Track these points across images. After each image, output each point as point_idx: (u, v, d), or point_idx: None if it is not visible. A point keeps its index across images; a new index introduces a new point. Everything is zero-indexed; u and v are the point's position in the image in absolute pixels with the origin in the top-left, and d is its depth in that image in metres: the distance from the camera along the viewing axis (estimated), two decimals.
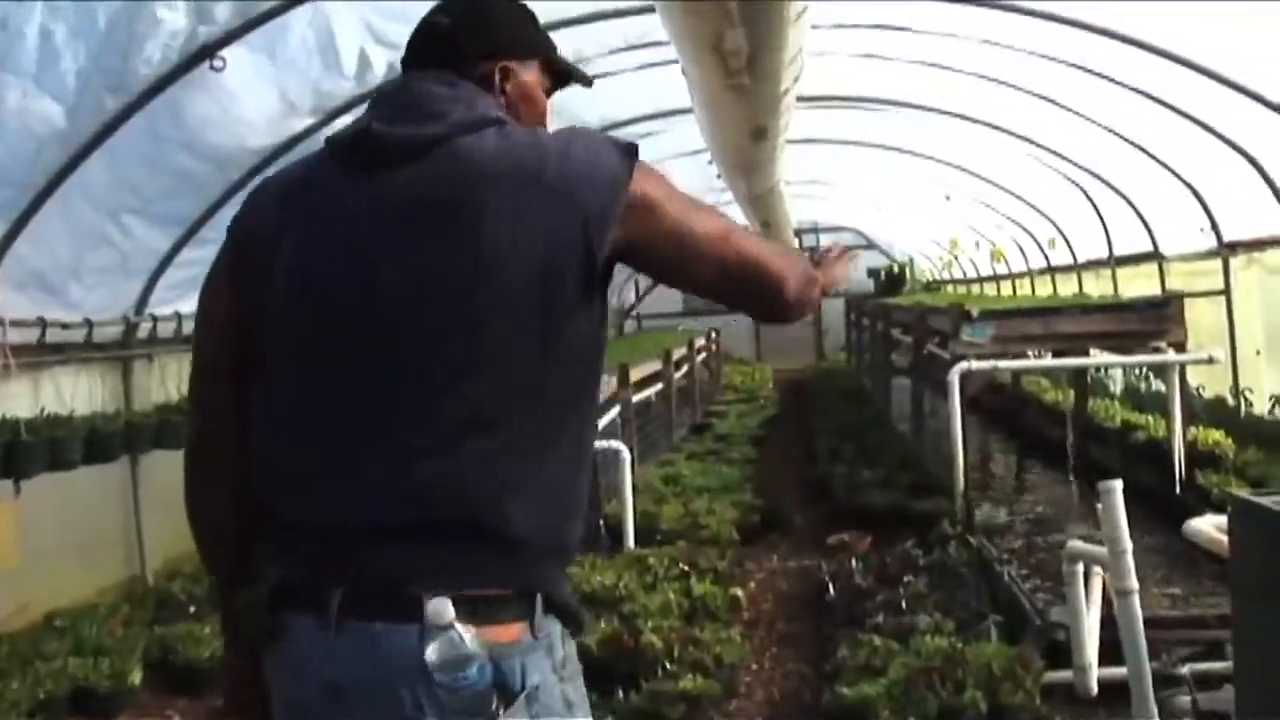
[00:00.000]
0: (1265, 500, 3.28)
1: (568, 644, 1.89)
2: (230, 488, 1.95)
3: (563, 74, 2.21)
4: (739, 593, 6.49)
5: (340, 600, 1.73)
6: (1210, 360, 8.01)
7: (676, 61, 6.94)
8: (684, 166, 14.45)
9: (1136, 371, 11.73)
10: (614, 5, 7.36)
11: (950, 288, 21.22)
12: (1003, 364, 8.43)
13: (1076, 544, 4.61)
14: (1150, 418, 10.10)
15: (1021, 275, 16.60)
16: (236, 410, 1.93)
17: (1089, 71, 8.51)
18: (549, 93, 2.16)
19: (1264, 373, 9.27)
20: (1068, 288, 14.10)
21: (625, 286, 25.26)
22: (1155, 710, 4.02)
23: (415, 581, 1.71)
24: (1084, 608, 4.61)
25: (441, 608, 1.69)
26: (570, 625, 1.91)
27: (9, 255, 6.23)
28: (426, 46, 2.06)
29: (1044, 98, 9.57)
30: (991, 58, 8.94)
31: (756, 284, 1.97)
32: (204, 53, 5.90)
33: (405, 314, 1.78)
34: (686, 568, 6.71)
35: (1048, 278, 15.23)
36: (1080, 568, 4.61)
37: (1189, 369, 8.44)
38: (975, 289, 19.89)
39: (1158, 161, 9.62)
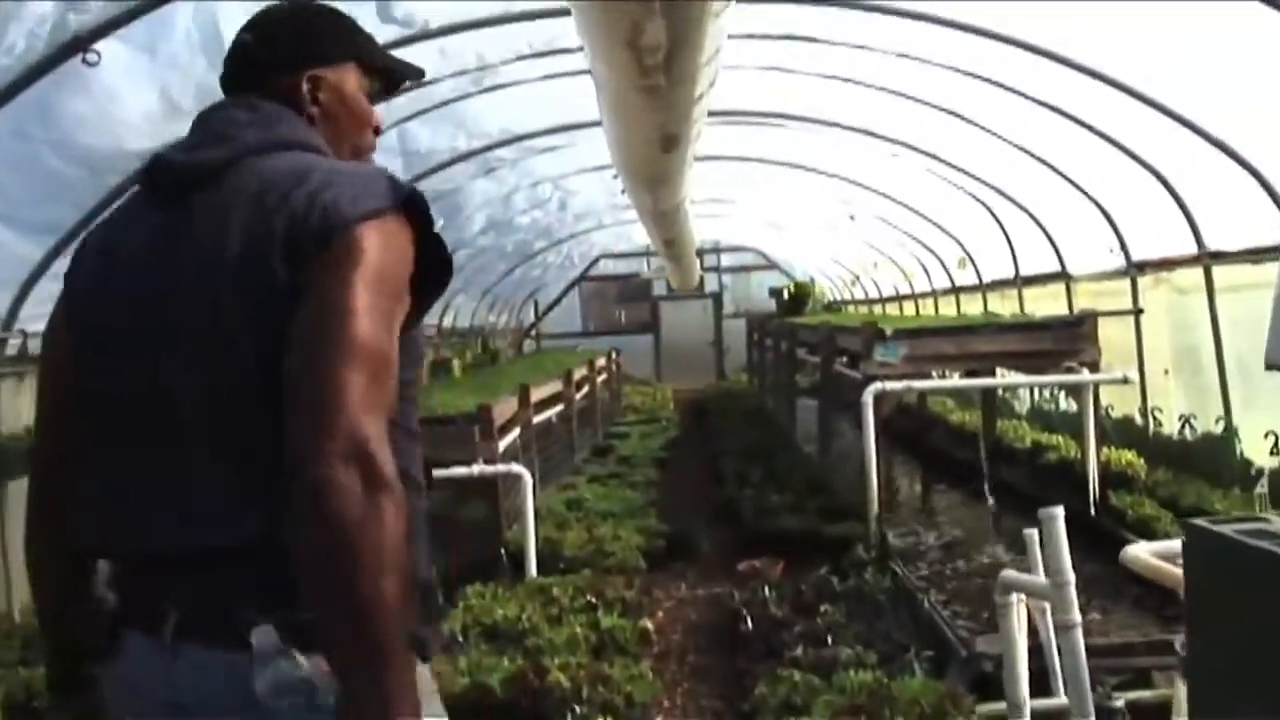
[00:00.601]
0: (1225, 529, 3.03)
1: None
2: (61, 527, 1.94)
3: (388, 72, 2.12)
4: (649, 625, 6.15)
5: (175, 624, 1.72)
6: (1125, 380, 7.90)
7: (584, 72, 6.65)
8: (587, 183, 14.19)
9: (1043, 391, 11.67)
10: (522, 6, 7.04)
11: (852, 308, 21.20)
12: (917, 384, 8.22)
13: (1011, 574, 4.35)
14: (1060, 438, 10.01)
15: (926, 295, 16.55)
16: (68, 452, 1.94)
17: (998, 85, 8.36)
18: (377, 96, 2.09)
19: (1172, 393, 9.21)
20: (973, 308, 14.05)
21: (525, 305, 24.93)
22: None
23: (244, 607, 1.66)
24: (1019, 640, 4.35)
25: (267, 635, 1.64)
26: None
27: None
28: (235, 66, 2.00)
29: (952, 113, 9.43)
30: (900, 71, 8.76)
31: (315, 412, 1.57)
32: (76, 44, 5.43)
33: (184, 344, 1.74)
34: (593, 599, 6.35)
35: (952, 298, 15.18)
36: (1015, 598, 4.35)
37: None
38: (878, 309, 19.86)
39: (1066, 179, 9.53)
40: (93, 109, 6.02)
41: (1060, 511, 3.84)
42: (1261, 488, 6.05)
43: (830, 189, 14.25)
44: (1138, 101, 7.51)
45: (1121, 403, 9.55)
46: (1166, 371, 9.07)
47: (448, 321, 18.03)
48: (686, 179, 9.29)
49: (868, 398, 7.58)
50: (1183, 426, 8.90)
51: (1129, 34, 7.00)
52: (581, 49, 5.66)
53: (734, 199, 17.38)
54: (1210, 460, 8.35)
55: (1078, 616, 3.80)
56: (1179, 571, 3.83)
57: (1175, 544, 4.25)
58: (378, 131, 2.10)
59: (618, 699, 4.79)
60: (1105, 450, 8.39)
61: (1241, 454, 8.06)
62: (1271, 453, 7.45)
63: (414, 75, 2.20)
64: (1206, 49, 6.78)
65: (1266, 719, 2.53)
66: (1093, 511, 7.95)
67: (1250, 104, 6.97)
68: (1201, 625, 3.19)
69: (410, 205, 1.76)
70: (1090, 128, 8.35)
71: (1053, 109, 8.37)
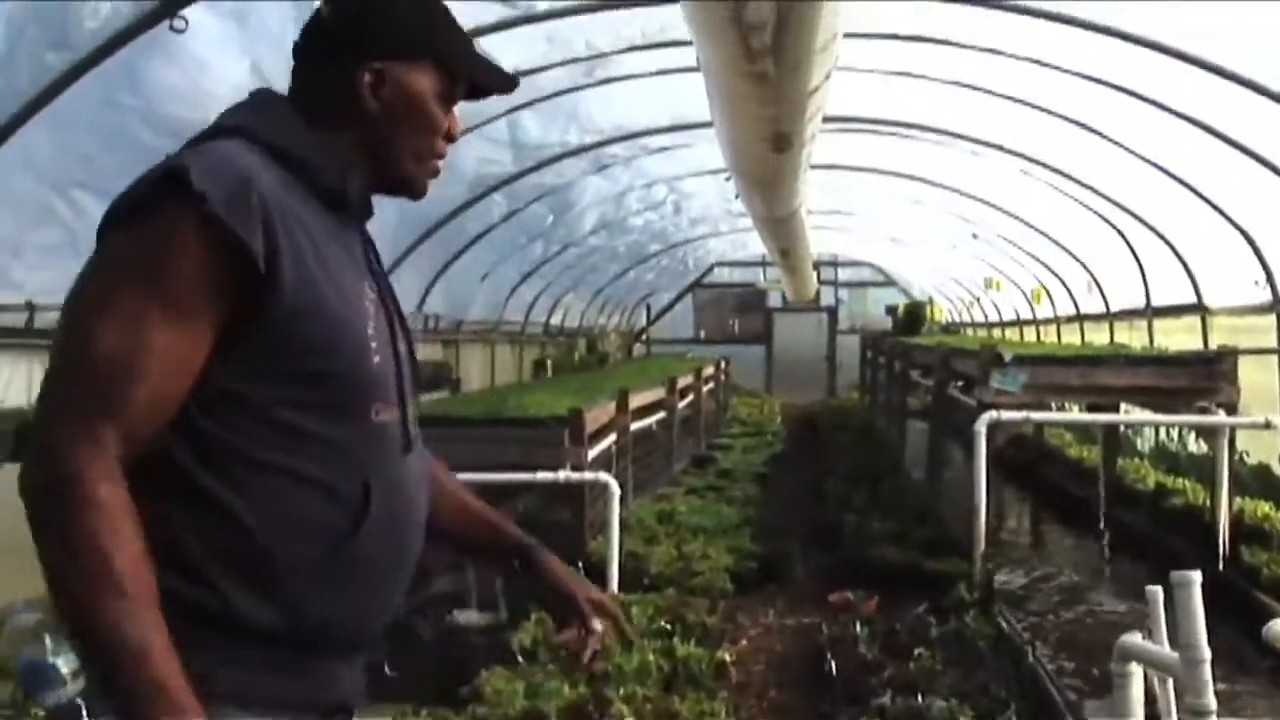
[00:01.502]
0: None
1: None
2: None
3: (468, 77, 1.94)
4: (727, 657, 5.74)
5: None
6: (1267, 425, 7.27)
7: (695, 69, 6.30)
8: (703, 186, 13.83)
9: (1170, 431, 11.01)
10: None
11: (970, 330, 20.54)
12: (1036, 415, 7.68)
13: (1133, 641, 3.85)
14: (1186, 482, 9.37)
15: (1048, 322, 15.88)
16: None
17: (1134, 95, 7.84)
18: (453, 100, 1.91)
19: None
20: (1098, 338, 13.38)
21: (637, 309, 24.66)
22: None
23: None
24: (1136, 716, 3.86)
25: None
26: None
27: None
28: (303, 39, 1.89)
29: (1084, 125, 8.91)
30: (1032, 79, 8.27)
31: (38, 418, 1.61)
32: (163, 10, 5.23)
33: None
34: (671, 623, 5.97)
35: (1076, 326, 14.50)
36: (1134, 669, 3.87)
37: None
38: (996, 333, 19.18)
39: (1206, 201, 8.93)
40: (182, 79, 5.83)
41: (1197, 577, 3.34)
42: None
43: (953, 205, 13.72)
44: None
45: (1258, 449, 8.88)
46: None
47: (556, 320, 17.79)
48: (801, 185, 8.86)
49: (981, 427, 7.09)
50: None
51: None
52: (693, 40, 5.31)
53: (854, 211, 16.89)
54: None
55: (1212, 702, 3.31)
56: None
57: None
58: (452, 139, 1.92)
59: None
60: (1238, 500, 7.77)
61: None
62: None
63: (500, 87, 1.99)
64: None
65: None
66: (1220, 566, 7.34)
67: None
68: None
69: (187, 194, 1.59)
70: (1236, 144, 7.77)
71: (1194, 122, 7.82)
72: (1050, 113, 8.83)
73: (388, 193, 1.90)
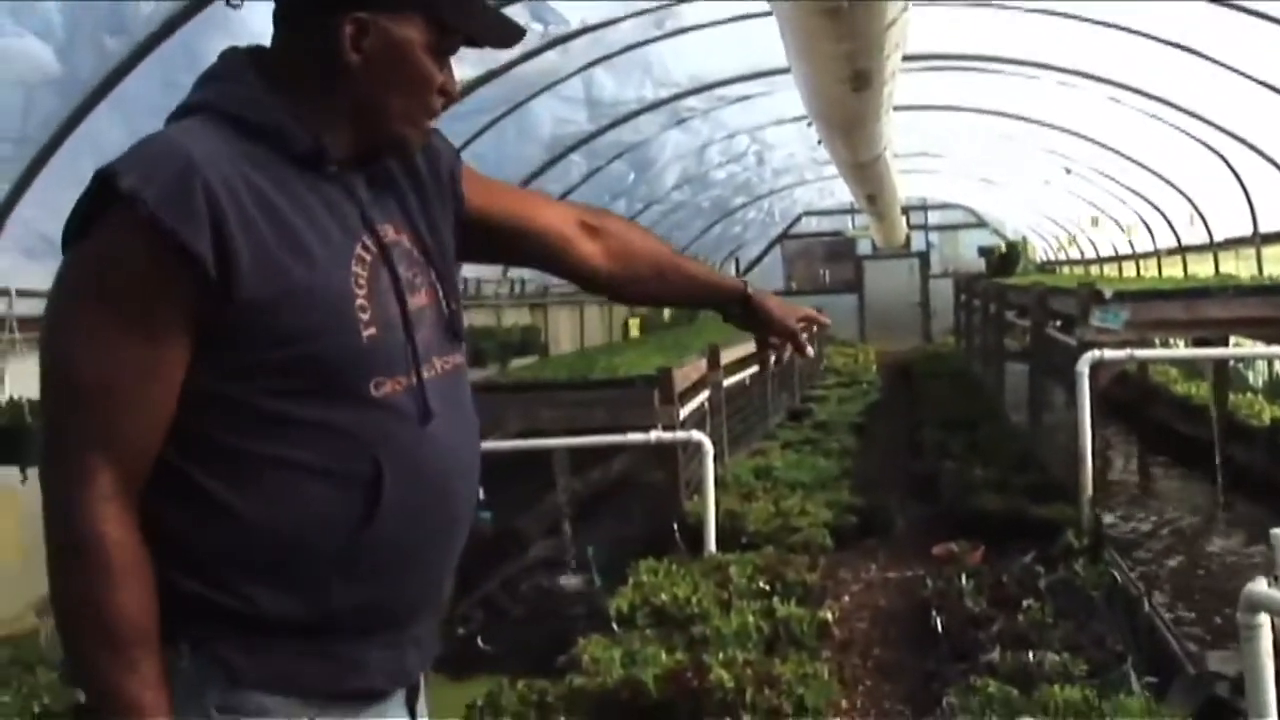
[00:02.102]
0: None
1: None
2: None
3: (462, 29, 1.76)
4: (829, 616, 5.59)
5: None
6: None
7: (769, 14, 6.08)
8: (785, 135, 13.57)
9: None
10: None
11: (1067, 269, 20.05)
12: (1140, 353, 7.36)
13: (1262, 590, 3.63)
14: None
15: (1148, 255, 15.40)
16: None
17: (1234, 6, 7.42)
18: (447, 52, 1.75)
19: None
20: (1202, 269, 12.92)
21: (726, 263, 24.44)
22: None
23: None
24: (1266, 671, 3.65)
25: None
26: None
27: (12, 218, 5.57)
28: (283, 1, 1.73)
29: (1181, 46, 8.52)
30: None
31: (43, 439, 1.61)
32: None
33: None
34: (770, 583, 5.83)
35: (1178, 258, 14.03)
36: (1263, 619, 3.65)
37: None
38: (1094, 270, 18.68)
39: None
40: None
41: None
42: None
43: (1044, 140, 13.32)
44: None
45: None
46: None
47: None
48: (885, 127, 8.60)
49: (1083, 367, 6.82)
50: None
51: None
52: None
53: (941, 153, 16.49)
54: None
55: None
56: None
57: None
58: (448, 96, 1.77)
59: (787, 704, 4.26)
60: None
61: None
62: None
63: (501, 40, 1.81)
64: None
65: None
66: None
67: None
68: None
69: (121, 199, 1.50)
70: None
71: None
72: (1143, 34, 8.46)
73: (378, 153, 1.77)
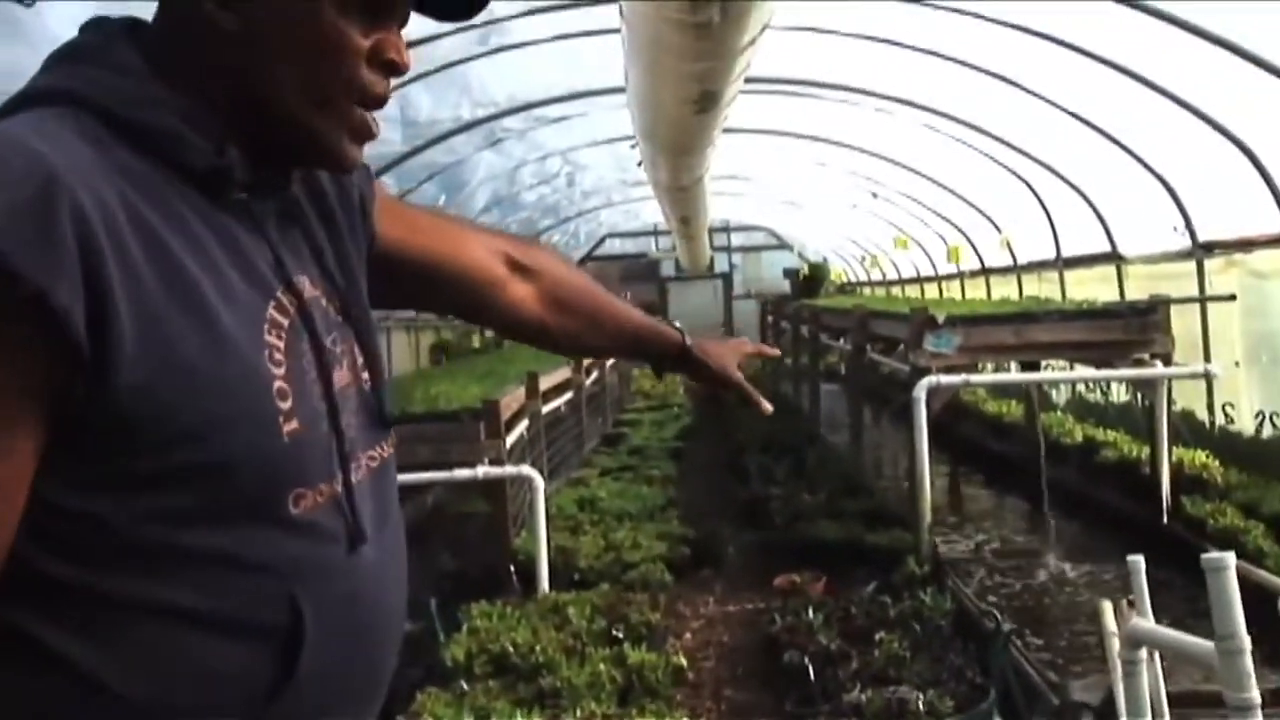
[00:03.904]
0: None
1: None
2: None
3: None
4: (683, 662, 5.36)
5: None
6: (1207, 376, 7.11)
7: (601, 31, 5.89)
8: (598, 157, 13.41)
9: (1086, 383, 10.88)
10: None
11: (868, 290, 20.44)
12: (976, 379, 7.41)
13: (1148, 627, 3.54)
14: (1114, 434, 9.25)
15: (951, 277, 15.74)
16: None
17: (1048, 39, 7.60)
18: (373, 8, 1.20)
19: (1244, 387, 8.41)
20: (1004, 291, 13.25)
21: None
22: None
23: None
24: (1146, 704, 3.56)
25: None
26: None
27: None
28: None
29: (995, 74, 8.66)
30: (941, 28, 7.98)
31: None
32: None
33: None
34: (616, 628, 5.57)
35: (982, 280, 14.37)
36: (1144, 653, 3.56)
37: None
38: (896, 291, 19.09)
39: (1124, 149, 8.72)
40: (37, 61, 5.22)
41: (1232, 560, 3.03)
42: None
43: (854, 164, 13.47)
44: (1212, 46, 6.69)
45: (1183, 396, 8.75)
46: (1238, 363, 8.26)
47: None
48: (712, 150, 8.48)
49: (920, 393, 6.79)
50: (1260, 424, 8.09)
51: None
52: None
53: (750, 175, 16.57)
54: None
55: (1256, 695, 3.00)
56: None
57: None
58: (391, 68, 1.22)
59: None
60: (1175, 450, 7.62)
61: None
62: None
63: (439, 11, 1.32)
64: None
65: None
66: (1164, 519, 7.18)
67: None
68: None
69: None
70: (1153, 85, 7.55)
71: (1110, 64, 7.59)
72: (959, 62, 8.56)
73: (299, 162, 1.27)
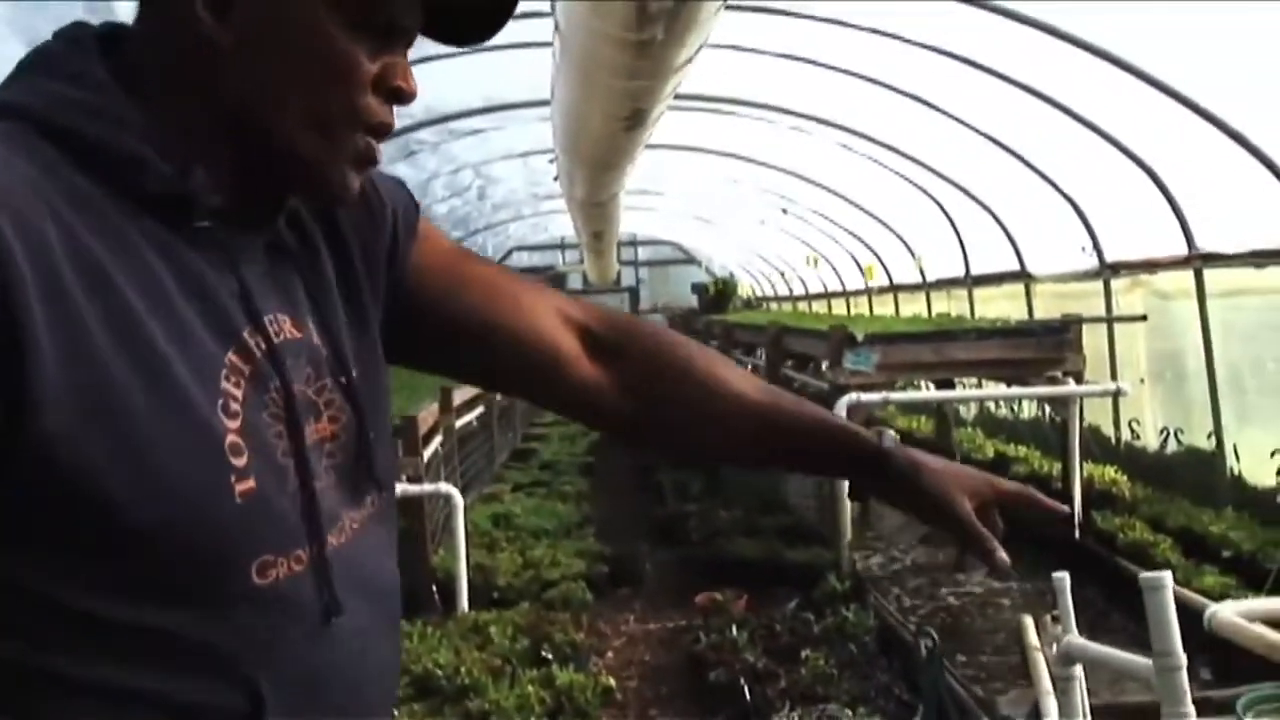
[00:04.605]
0: None
1: None
2: None
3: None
4: (612, 683, 5.33)
5: None
6: (1118, 393, 7.26)
7: (521, 45, 5.85)
8: (510, 170, 13.35)
9: (997, 400, 11.07)
10: None
11: (775, 305, 20.60)
12: (896, 396, 7.47)
13: (1081, 643, 3.59)
14: (1024, 449, 9.41)
15: (859, 294, 15.91)
16: None
17: (962, 60, 7.72)
18: (382, 29, 1.06)
19: (1149, 404, 8.60)
20: (912, 308, 13.42)
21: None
22: None
23: None
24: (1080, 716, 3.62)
25: None
26: None
27: None
28: None
29: (908, 94, 8.76)
30: (858, 48, 8.07)
31: None
32: None
33: None
34: (543, 648, 5.52)
35: (889, 297, 14.54)
36: (1078, 670, 3.61)
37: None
38: (802, 307, 19.27)
39: (1034, 170, 8.88)
40: None
41: (1169, 579, 3.07)
42: None
43: (767, 181, 13.55)
44: (1123, 72, 6.84)
45: (1091, 413, 8.92)
46: (1143, 381, 8.44)
47: None
48: (633, 166, 8.48)
49: (840, 410, 6.80)
50: (1164, 440, 8.28)
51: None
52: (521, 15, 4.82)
53: (661, 190, 16.62)
54: (1196, 477, 7.74)
55: (1192, 710, 3.05)
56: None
57: (1262, 603, 3.59)
58: (397, 95, 1.09)
59: None
60: (1085, 466, 7.77)
61: (1233, 471, 7.44)
62: None
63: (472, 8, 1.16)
64: (1209, 16, 6.14)
65: None
66: (1077, 534, 7.30)
67: (1260, 84, 6.34)
68: None
69: None
70: (1063, 108, 7.71)
71: (1021, 86, 7.73)
72: (877, 83, 8.66)
73: (292, 190, 1.14)
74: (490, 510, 9.38)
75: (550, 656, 5.42)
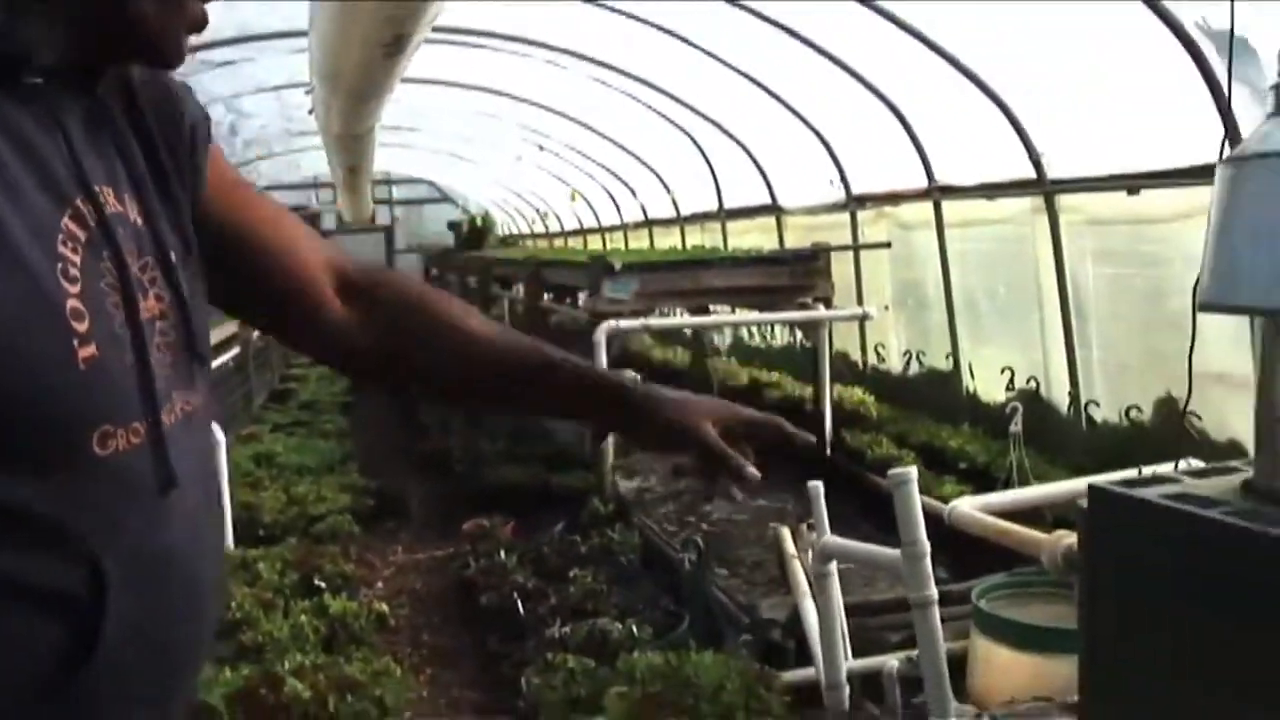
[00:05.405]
0: (1137, 492, 2.56)
1: None
2: None
3: None
4: (385, 609, 5.36)
5: None
6: (865, 317, 7.63)
7: None
8: (262, 104, 12.93)
9: (748, 327, 11.45)
10: None
11: (531, 242, 20.63)
12: (654, 322, 7.66)
13: (837, 541, 3.83)
14: (778, 374, 9.78)
15: (615, 229, 16.11)
16: None
17: None
18: None
19: (892, 329, 9.05)
20: (668, 242, 13.68)
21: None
22: None
23: None
24: (837, 614, 3.87)
25: None
26: None
27: None
28: None
29: (662, 29, 8.84)
30: None
31: None
32: None
33: None
34: (315, 578, 5.51)
35: (645, 231, 14.78)
36: (834, 566, 3.86)
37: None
38: (559, 243, 19.39)
39: (784, 105, 9.15)
40: None
41: (914, 474, 3.32)
42: (1016, 426, 5.88)
43: (523, 117, 13.51)
44: (870, 13, 7.09)
45: (839, 339, 9.33)
46: (887, 307, 8.88)
47: None
48: (390, 96, 8.37)
49: (600, 337, 6.96)
50: (907, 363, 8.75)
51: None
52: None
53: (416, 126, 16.36)
54: (937, 396, 8.22)
55: (934, 592, 3.32)
56: (1010, 526, 3.43)
57: (994, 497, 3.87)
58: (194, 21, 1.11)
59: (372, 707, 4.01)
60: (836, 388, 8.15)
61: (969, 390, 7.94)
62: (1008, 387, 7.33)
63: None
64: None
65: (1170, 686, 2.10)
66: (828, 451, 7.68)
67: (993, 28, 6.71)
68: (1102, 594, 2.74)
69: None
70: (816, 47, 7.94)
71: (772, 22, 7.90)
72: (630, 16, 8.71)
73: (129, 50, 1.11)
74: (251, 450, 9.20)
75: (323, 586, 5.41)
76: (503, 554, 6.11)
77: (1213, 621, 2.03)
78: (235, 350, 11.32)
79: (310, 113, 10.01)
